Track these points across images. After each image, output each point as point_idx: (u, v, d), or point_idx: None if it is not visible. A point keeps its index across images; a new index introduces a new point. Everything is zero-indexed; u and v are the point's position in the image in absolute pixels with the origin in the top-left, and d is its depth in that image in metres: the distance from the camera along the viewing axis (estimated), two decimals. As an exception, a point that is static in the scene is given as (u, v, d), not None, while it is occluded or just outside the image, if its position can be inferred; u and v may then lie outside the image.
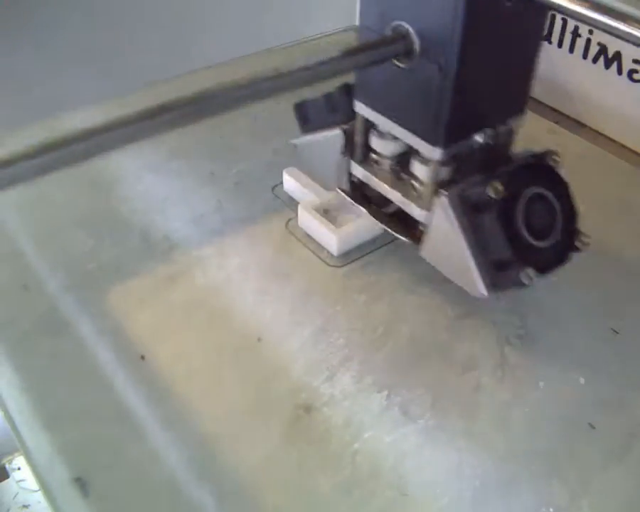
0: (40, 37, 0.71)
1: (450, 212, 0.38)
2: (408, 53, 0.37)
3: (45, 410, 0.37)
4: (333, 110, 0.45)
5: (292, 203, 0.50)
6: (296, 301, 0.43)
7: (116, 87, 0.62)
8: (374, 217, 0.45)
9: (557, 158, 0.41)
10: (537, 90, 0.71)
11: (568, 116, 0.67)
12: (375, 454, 0.35)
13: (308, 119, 0.46)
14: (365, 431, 0.36)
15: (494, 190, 0.37)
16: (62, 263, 0.45)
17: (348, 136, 0.44)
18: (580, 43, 0.64)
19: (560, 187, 0.41)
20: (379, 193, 0.43)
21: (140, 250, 0.46)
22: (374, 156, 0.43)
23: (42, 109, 0.61)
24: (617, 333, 0.42)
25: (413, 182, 0.41)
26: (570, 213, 0.41)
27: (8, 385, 0.39)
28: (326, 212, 0.47)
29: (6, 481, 0.99)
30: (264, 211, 0.49)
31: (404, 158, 0.42)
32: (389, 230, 0.44)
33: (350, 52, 0.35)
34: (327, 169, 0.46)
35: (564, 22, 0.65)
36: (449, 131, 0.38)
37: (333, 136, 0.44)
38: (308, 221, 0.47)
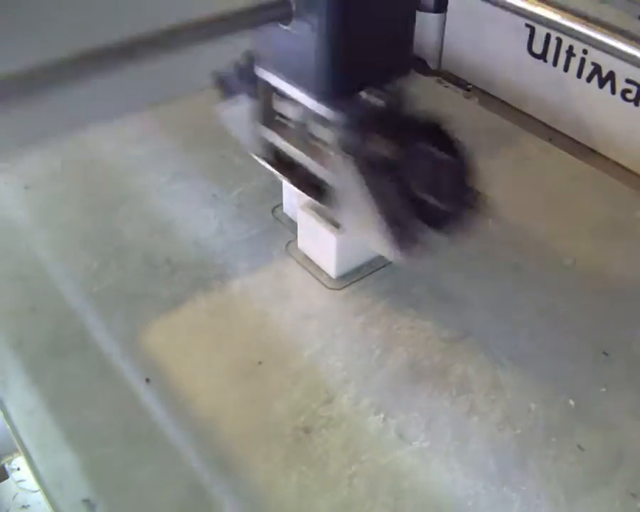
0: (40, 37, 0.72)
1: (350, 171, 0.39)
2: (288, 16, 0.39)
3: (55, 433, 0.38)
4: (243, 78, 0.46)
5: (292, 225, 0.51)
6: (296, 324, 0.45)
7: (117, 88, 0.63)
8: (286, 178, 0.46)
9: (449, 121, 0.42)
10: (532, 107, 0.72)
11: (562, 133, 0.69)
12: (372, 476, 0.37)
13: (225, 88, 0.48)
14: (362, 453, 0.38)
15: (387, 149, 0.39)
16: (69, 285, 0.47)
17: (258, 103, 0.45)
18: (575, 62, 0.65)
19: (454, 149, 0.41)
20: (291, 157, 0.45)
21: (144, 273, 0.48)
22: (283, 120, 0.45)
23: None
24: (607, 355, 0.43)
25: (318, 144, 0.43)
26: (466, 173, 0.41)
27: (18, 407, 0.40)
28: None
29: (6, 481, 0.99)
30: (265, 233, 0.51)
31: (311, 121, 0.44)
32: (302, 191, 0.45)
33: (232, 16, 0.37)
34: (244, 135, 0.48)
35: (559, 41, 0.66)
36: (333, 88, 0.40)
37: (243, 104, 0.46)
38: (308, 244, 0.49)
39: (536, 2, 0.70)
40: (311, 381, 0.41)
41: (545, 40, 0.67)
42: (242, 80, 0.46)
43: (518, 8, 0.73)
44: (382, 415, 0.40)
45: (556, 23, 0.66)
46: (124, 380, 0.41)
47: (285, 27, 0.39)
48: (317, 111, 0.41)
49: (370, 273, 0.48)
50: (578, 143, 0.67)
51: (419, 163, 0.39)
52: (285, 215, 0.52)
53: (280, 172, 0.46)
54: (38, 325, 0.44)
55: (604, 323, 0.46)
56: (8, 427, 0.42)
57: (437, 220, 0.39)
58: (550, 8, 0.67)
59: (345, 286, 0.47)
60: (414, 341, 0.44)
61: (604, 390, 0.41)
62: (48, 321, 0.44)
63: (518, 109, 0.72)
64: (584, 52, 0.64)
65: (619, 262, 0.51)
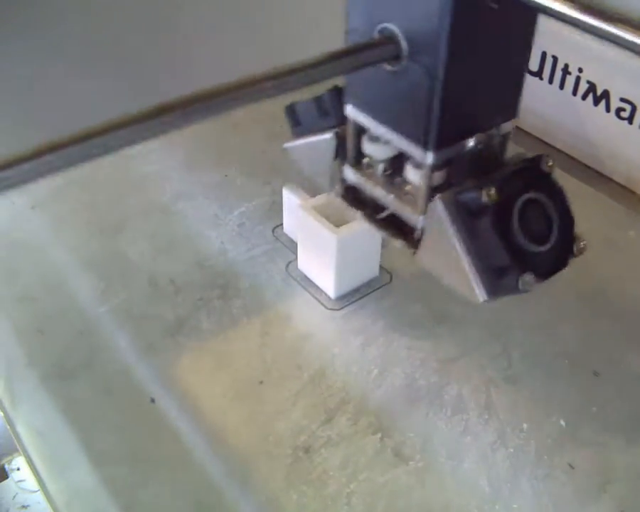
0: (41, 37, 0.73)
1: (445, 216, 0.38)
2: (396, 56, 0.36)
3: (64, 453, 0.40)
4: (324, 113, 0.44)
5: (292, 245, 0.53)
6: (296, 344, 0.46)
7: (116, 88, 0.64)
8: (368, 221, 0.44)
9: (550, 163, 0.41)
10: (529, 124, 0.74)
11: (558, 150, 0.70)
12: (370, 495, 0.38)
13: (299, 122, 0.46)
14: (360, 472, 0.39)
15: (488, 195, 0.37)
16: (76, 307, 0.48)
17: (340, 140, 0.43)
18: (570, 80, 0.67)
19: (555, 192, 0.40)
20: (373, 197, 0.43)
21: (148, 294, 0.49)
22: (367, 160, 0.43)
23: (41, 110, 0.63)
24: (598, 375, 0.45)
25: (406, 186, 0.41)
26: (566, 218, 0.40)
27: (28, 428, 0.41)
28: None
29: (6, 481, 1.00)
30: (266, 253, 0.52)
31: (398, 162, 0.42)
32: (384, 233, 0.44)
33: (335, 56, 0.35)
34: (320, 173, 0.46)
35: (555, 60, 0.67)
36: (440, 135, 0.37)
37: (324, 140, 0.44)
38: (307, 265, 0.50)
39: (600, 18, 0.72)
40: (310, 401, 0.43)
41: (541, 58, 0.69)
42: (322, 115, 0.44)
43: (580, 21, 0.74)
44: (379, 435, 0.41)
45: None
46: (130, 400, 0.42)
47: (389, 67, 0.37)
48: (413, 154, 0.39)
49: (369, 293, 0.49)
50: (574, 159, 0.68)
51: (521, 210, 0.38)
52: (285, 235, 0.54)
53: (360, 211, 0.45)
54: (45, 346, 0.45)
55: (596, 343, 0.47)
56: (8, 427, 0.43)
57: (535, 266, 0.38)
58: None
59: (344, 307, 0.48)
60: (411, 362, 0.45)
61: (594, 409, 0.43)
62: (55, 343, 0.46)
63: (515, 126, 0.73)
64: (580, 70, 0.66)
65: (611, 281, 0.52)
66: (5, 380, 0.44)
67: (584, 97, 0.66)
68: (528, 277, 0.38)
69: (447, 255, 0.39)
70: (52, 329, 0.47)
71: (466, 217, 0.38)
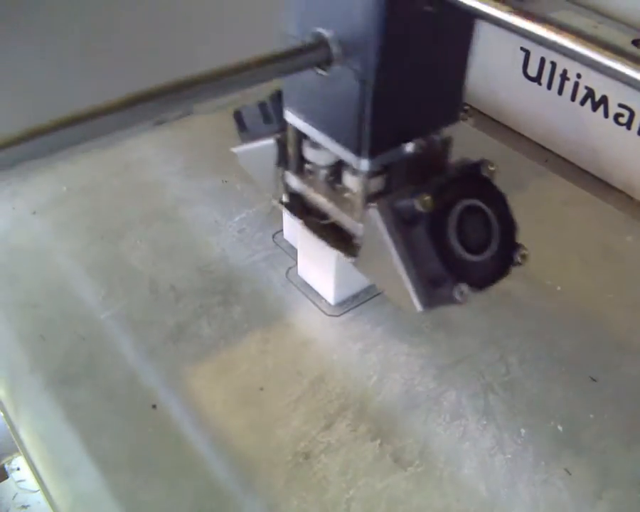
0: (40, 37, 0.73)
1: (380, 224, 0.37)
2: (327, 61, 0.36)
3: (66, 459, 0.40)
4: (268, 119, 0.43)
5: (292, 251, 0.53)
6: (296, 350, 0.46)
7: (116, 88, 0.64)
8: (310, 229, 0.43)
9: (492, 168, 0.39)
10: (528, 129, 0.74)
11: (557, 155, 0.70)
12: (369, 501, 0.39)
13: (245, 127, 0.45)
14: (359, 478, 0.40)
15: (422, 203, 0.36)
16: (78, 313, 0.48)
17: (282, 146, 0.43)
18: (569, 85, 0.67)
19: (496, 199, 0.39)
20: (315, 205, 0.42)
21: (150, 300, 0.49)
22: (308, 166, 0.42)
23: (42, 109, 0.63)
24: (595, 381, 0.45)
25: (345, 193, 0.40)
26: (508, 226, 0.39)
27: (31, 434, 0.42)
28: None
29: (6, 481, 1.00)
30: (266, 259, 0.53)
31: (339, 168, 0.41)
32: (324, 242, 0.43)
33: (267, 60, 0.34)
34: (265, 179, 0.45)
35: (553, 66, 0.68)
36: (374, 141, 0.36)
37: (267, 146, 0.44)
38: (307, 271, 0.50)
39: (532, 21, 0.72)
40: (310, 407, 0.43)
41: (540, 64, 0.69)
42: (266, 120, 0.44)
43: (514, 26, 0.75)
44: (378, 441, 0.41)
45: (550, 41, 0.68)
46: (132, 406, 0.43)
47: (322, 72, 0.36)
48: (349, 160, 0.38)
49: (368, 299, 0.50)
50: (572, 164, 0.69)
51: (458, 216, 0.37)
52: (285, 241, 0.54)
53: (301, 219, 0.44)
54: (47, 352, 0.46)
55: (593, 349, 0.47)
56: (6, 423, 0.44)
57: (473, 275, 0.37)
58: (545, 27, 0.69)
59: (343, 313, 0.49)
60: (410, 368, 0.45)
61: (591, 415, 0.43)
62: (57, 349, 0.46)
63: (514, 131, 0.74)
64: (578, 76, 0.66)
65: (609, 287, 0.52)
66: (8, 386, 0.44)
67: (582, 103, 0.66)
68: (463, 287, 0.36)
69: (384, 264, 0.38)
70: (54, 335, 0.47)
71: (401, 225, 0.37)
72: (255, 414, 0.43)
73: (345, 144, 0.38)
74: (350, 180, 0.40)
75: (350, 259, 0.42)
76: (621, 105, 0.63)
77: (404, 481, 0.40)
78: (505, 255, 0.39)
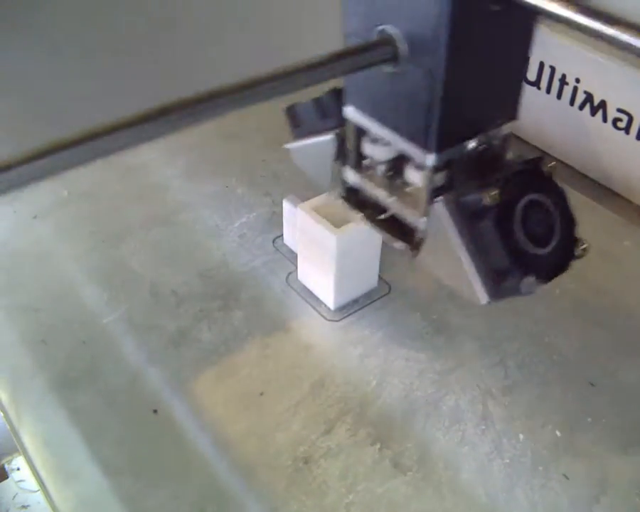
0: (40, 37, 0.73)
1: (447, 218, 0.38)
2: (394, 58, 0.36)
3: (68, 463, 0.41)
4: (324, 115, 0.44)
5: (292, 256, 0.53)
6: (296, 355, 0.47)
7: (116, 88, 0.64)
8: (370, 223, 0.44)
9: (551, 164, 0.40)
10: (527, 133, 0.74)
11: (556, 159, 0.70)
12: (368, 505, 0.39)
13: (299, 123, 0.46)
14: (359, 483, 0.40)
15: (490, 197, 0.37)
16: (79, 317, 0.49)
17: (340, 142, 0.43)
18: (567, 90, 0.67)
19: (556, 194, 0.40)
20: (374, 199, 0.43)
21: (151, 304, 0.50)
22: (366, 161, 0.42)
23: (41, 109, 0.63)
24: (593, 386, 0.45)
25: (408, 188, 0.41)
26: (568, 220, 0.40)
27: (33, 439, 0.42)
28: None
29: (6, 481, 1.01)
30: (266, 264, 0.53)
31: (399, 163, 0.41)
32: (385, 235, 0.43)
33: (334, 58, 0.34)
34: (321, 175, 0.46)
35: (553, 70, 0.68)
36: (440, 137, 0.37)
37: (325, 142, 0.44)
38: (307, 276, 0.51)
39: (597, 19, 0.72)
40: (310, 412, 0.43)
41: (539, 68, 0.70)
42: (322, 116, 0.44)
43: (579, 24, 0.75)
44: (378, 446, 0.42)
45: (617, 40, 0.69)
46: (133, 411, 0.43)
47: (388, 69, 0.37)
48: (414, 155, 0.38)
49: (368, 304, 0.50)
50: (570, 168, 0.69)
51: (522, 210, 0.37)
52: (285, 245, 0.54)
53: (361, 212, 0.45)
54: (49, 357, 0.46)
55: (592, 353, 0.48)
56: (8, 427, 0.44)
57: (537, 269, 0.38)
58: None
59: (343, 318, 0.49)
60: (409, 373, 0.46)
61: (589, 420, 0.43)
62: (59, 353, 0.46)
63: (512, 135, 0.74)
64: (577, 80, 0.66)
65: (606, 292, 0.53)
66: (10, 390, 0.45)
67: (581, 107, 0.67)
68: (530, 280, 0.37)
69: (449, 257, 0.38)
70: (56, 339, 0.47)
71: (468, 219, 0.38)
72: (255, 418, 0.43)
73: (411, 139, 0.38)
74: (413, 175, 0.40)
75: (410, 253, 0.42)
76: (619, 110, 0.64)
77: (403, 486, 0.40)
78: (566, 249, 0.39)
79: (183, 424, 0.42)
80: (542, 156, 0.41)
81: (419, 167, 0.40)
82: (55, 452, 0.41)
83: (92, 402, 0.44)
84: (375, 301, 0.50)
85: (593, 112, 0.66)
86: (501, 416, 0.43)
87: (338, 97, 0.43)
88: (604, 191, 0.66)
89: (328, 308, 0.50)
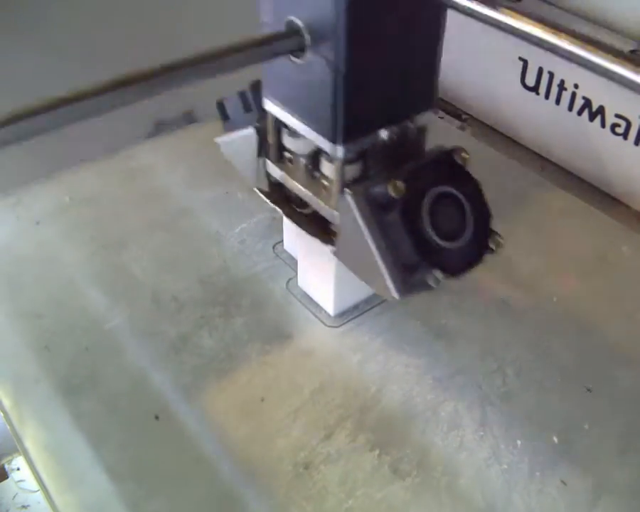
0: (40, 37, 0.73)
1: (354, 211, 0.37)
2: (300, 49, 0.36)
3: (70, 469, 0.41)
4: (248, 108, 0.44)
5: (292, 262, 0.54)
6: (296, 361, 0.47)
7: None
8: (290, 218, 0.44)
9: (465, 155, 0.40)
10: (526, 138, 0.75)
11: (554, 164, 0.71)
12: (368, 511, 0.39)
13: (227, 116, 0.46)
14: (358, 488, 0.40)
15: (394, 188, 0.36)
16: (81, 323, 0.49)
17: (262, 135, 0.43)
18: (566, 95, 0.68)
19: (470, 186, 0.39)
20: (296, 193, 0.43)
21: (152, 311, 0.50)
22: (288, 154, 0.42)
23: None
24: (591, 391, 0.46)
25: (323, 181, 0.41)
26: (482, 213, 0.39)
27: (36, 444, 0.43)
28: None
29: (6, 481, 1.00)
30: (266, 270, 0.53)
31: (317, 156, 0.41)
32: (304, 231, 0.43)
33: (242, 47, 0.35)
34: (246, 168, 0.46)
35: (551, 76, 0.68)
36: (348, 128, 0.37)
37: (247, 136, 0.44)
38: (307, 282, 0.51)
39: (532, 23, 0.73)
40: (310, 418, 0.44)
41: (538, 74, 0.70)
42: (246, 109, 0.44)
43: (513, 27, 0.75)
44: (377, 451, 0.42)
45: (549, 43, 0.69)
46: (135, 417, 0.44)
47: (296, 60, 0.37)
48: (325, 147, 0.39)
49: (367, 310, 0.50)
50: (569, 173, 0.70)
51: (431, 202, 0.37)
52: (285, 251, 0.55)
53: (282, 209, 0.45)
54: (52, 363, 0.46)
55: (589, 359, 0.48)
56: (8, 427, 0.44)
57: (447, 262, 0.37)
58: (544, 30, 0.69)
59: (343, 324, 0.50)
60: (408, 379, 0.46)
61: (587, 426, 0.44)
62: (61, 359, 0.47)
63: (512, 140, 0.74)
64: (576, 86, 0.67)
65: (604, 297, 0.53)
66: (13, 396, 0.45)
67: (579, 113, 0.67)
68: (438, 274, 0.37)
69: (361, 251, 0.38)
70: (58, 345, 0.48)
71: (376, 211, 0.37)
72: (256, 424, 0.43)
73: (321, 131, 0.38)
74: (326, 168, 0.40)
75: (329, 248, 0.42)
76: (617, 115, 0.64)
77: (402, 491, 0.40)
78: (480, 242, 0.39)
79: (184, 430, 0.43)
80: (457, 146, 0.40)
81: (331, 159, 0.39)
82: (57, 458, 0.42)
83: (94, 408, 0.44)
84: (374, 307, 0.51)
85: (591, 118, 0.67)
86: (499, 422, 0.44)
87: (258, 89, 0.43)
88: (602, 196, 0.67)
89: (328, 314, 0.50)
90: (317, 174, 0.42)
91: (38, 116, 0.30)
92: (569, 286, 0.46)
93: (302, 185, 0.42)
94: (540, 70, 0.69)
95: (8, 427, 0.45)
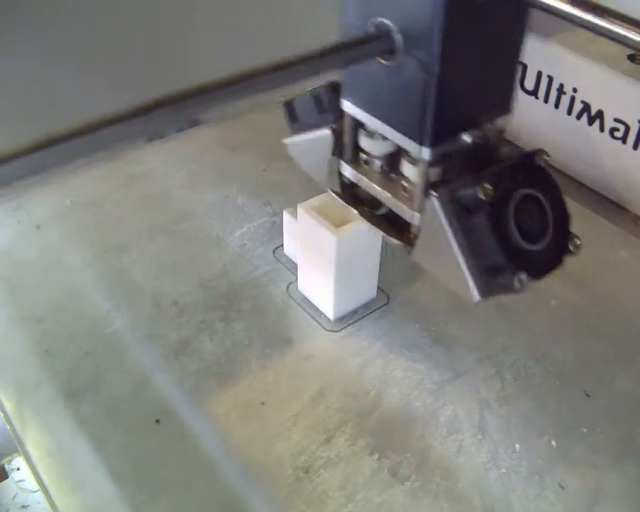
0: (40, 37, 0.74)
1: (440, 213, 0.37)
2: (391, 51, 0.36)
3: (71, 473, 0.41)
4: (322, 109, 0.44)
5: (292, 266, 0.54)
6: (296, 366, 0.47)
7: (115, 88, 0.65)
8: (365, 218, 0.44)
9: (546, 157, 0.40)
10: (525, 141, 0.75)
11: (554, 168, 0.71)
12: (367, 515, 0.40)
13: (297, 118, 0.46)
14: (357, 492, 0.41)
15: (484, 191, 0.36)
16: (82, 327, 0.49)
17: (337, 136, 0.43)
18: (565, 99, 0.68)
19: (551, 188, 0.40)
20: (370, 194, 0.43)
21: (152, 315, 0.50)
22: (364, 156, 0.43)
23: (41, 109, 0.64)
24: (589, 396, 0.46)
25: (403, 182, 0.41)
26: (562, 215, 0.40)
27: (37, 448, 0.43)
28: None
29: (6, 481, 1.01)
30: (266, 274, 0.54)
31: (395, 158, 0.42)
32: (380, 231, 0.43)
33: (330, 51, 0.35)
34: (318, 169, 0.46)
35: (550, 79, 0.69)
36: (436, 130, 0.37)
37: (321, 137, 0.44)
38: (307, 286, 0.51)
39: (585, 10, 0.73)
40: (310, 422, 0.44)
41: (537, 78, 0.70)
42: (320, 111, 0.44)
43: (567, 14, 0.75)
44: (376, 456, 0.42)
45: (604, 28, 0.70)
46: (136, 421, 0.44)
47: (384, 62, 0.37)
48: (410, 149, 0.38)
49: (367, 315, 0.51)
50: (569, 177, 0.70)
51: (516, 205, 0.37)
52: (286, 256, 0.55)
53: (356, 209, 0.44)
54: (53, 367, 0.47)
55: (587, 363, 0.48)
56: (8, 427, 0.45)
57: (530, 265, 0.37)
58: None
59: (342, 328, 0.50)
60: (408, 383, 0.46)
61: (585, 430, 0.44)
62: (62, 363, 0.47)
63: (511, 144, 0.74)
64: (574, 90, 0.67)
65: (603, 302, 0.53)
66: (15, 400, 0.45)
67: (578, 117, 0.67)
68: (523, 276, 0.37)
69: (443, 253, 0.38)
70: (60, 350, 0.48)
71: (462, 214, 0.38)
72: (256, 428, 0.44)
73: (406, 132, 0.38)
74: (409, 170, 0.40)
75: (406, 249, 0.42)
76: (616, 120, 0.64)
77: (401, 495, 0.41)
78: (560, 244, 0.39)
79: (184, 433, 0.43)
80: (539, 148, 0.40)
81: (414, 161, 0.39)
82: (59, 461, 0.42)
83: (95, 412, 0.44)
84: (373, 311, 0.51)
85: (590, 122, 0.67)
86: (498, 426, 0.44)
87: (335, 90, 0.42)
88: (601, 200, 0.67)
89: (328, 319, 0.50)
90: (395, 176, 0.42)
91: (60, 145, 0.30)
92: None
93: (379, 186, 0.42)
94: (539, 74, 0.70)
95: (10, 431, 0.45)
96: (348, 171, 0.44)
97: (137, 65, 0.77)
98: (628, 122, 0.63)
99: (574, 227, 0.60)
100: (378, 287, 0.52)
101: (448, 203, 0.38)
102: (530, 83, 0.71)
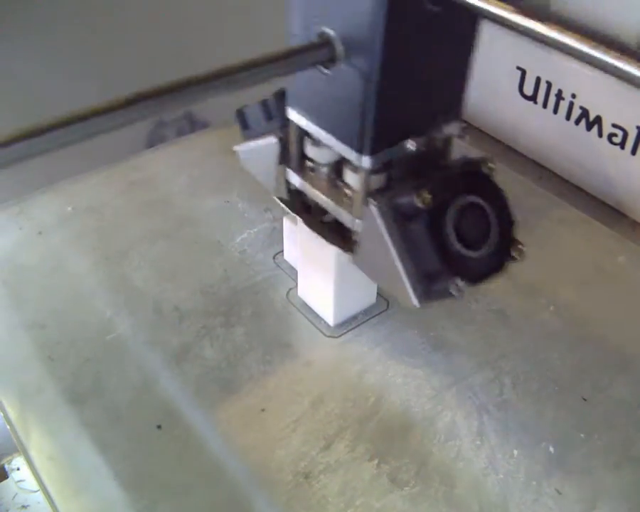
0: (40, 37, 0.74)
1: (379, 221, 0.38)
2: (332, 59, 0.36)
3: (73, 478, 0.42)
4: (270, 117, 0.44)
5: (292, 272, 0.54)
6: (296, 372, 0.48)
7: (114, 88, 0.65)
8: (309, 226, 0.44)
9: (492, 165, 0.40)
10: (523, 146, 0.75)
11: (552, 172, 0.72)
12: (366, 520, 0.40)
13: (247, 125, 0.46)
14: (357, 498, 0.41)
15: (421, 199, 0.37)
16: (84, 334, 0.50)
17: (284, 144, 0.44)
18: (563, 105, 0.68)
19: (495, 195, 0.40)
20: (316, 201, 0.43)
21: (153, 321, 0.51)
22: (310, 163, 0.43)
23: (41, 110, 0.64)
24: (586, 401, 0.47)
25: (346, 190, 0.41)
26: (506, 222, 0.39)
27: (39, 453, 0.43)
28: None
29: (6, 481, 1.00)
30: (267, 280, 0.54)
31: (340, 166, 0.42)
32: (324, 238, 0.44)
33: (272, 58, 0.35)
34: (266, 177, 0.46)
35: (549, 85, 0.69)
36: (376, 139, 0.37)
37: (269, 144, 0.44)
38: (307, 292, 0.52)
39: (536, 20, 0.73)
40: (310, 428, 0.44)
41: (536, 83, 0.71)
42: (268, 118, 0.44)
43: (517, 25, 0.76)
44: (376, 461, 0.43)
45: (553, 40, 0.70)
46: (138, 426, 0.44)
47: (326, 71, 0.37)
48: (350, 158, 0.39)
49: (366, 320, 0.51)
50: (567, 182, 0.70)
51: (456, 212, 0.37)
52: (286, 261, 0.56)
53: (301, 217, 0.45)
54: (55, 373, 0.47)
55: (585, 369, 0.49)
56: (8, 427, 0.45)
57: (469, 270, 0.38)
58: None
59: (342, 334, 0.50)
60: (407, 389, 0.47)
61: (582, 436, 0.45)
62: (64, 369, 0.47)
63: (509, 148, 0.75)
64: (573, 96, 0.68)
65: (600, 308, 0.54)
66: (17, 406, 0.46)
67: (577, 122, 0.68)
68: (459, 282, 0.37)
69: (382, 259, 0.38)
70: (62, 356, 0.48)
71: (400, 221, 0.38)
72: (257, 434, 0.44)
73: (346, 141, 0.39)
74: (351, 178, 0.40)
75: (348, 256, 0.43)
76: (614, 125, 0.65)
77: (400, 501, 0.41)
78: (503, 251, 0.39)
79: (186, 439, 0.44)
80: (484, 156, 0.40)
81: (356, 169, 0.40)
82: (61, 467, 0.43)
83: (97, 418, 0.45)
84: (373, 317, 0.51)
85: (589, 127, 0.67)
86: (496, 432, 0.45)
87: (282, 99, 0.43)
88: (599, 206, 0.67)
89: (328, 325, 0.51)
90: (339, 183, 0.42)
91: (48, 133, 0.30)
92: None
93: (323, 193, 0.42)
94: (538, 80, 0.70)
95: (11, 433, 0.45)
96: (294, 179, 0.45)
97: (134, 65, 0.78)
98: (627, 128, 0.64)
99: (572, 232, 0.61)
100: (378, 293, 0.52)
101: (387, 211, 0.38)
102: (528, 88, 0.71)
